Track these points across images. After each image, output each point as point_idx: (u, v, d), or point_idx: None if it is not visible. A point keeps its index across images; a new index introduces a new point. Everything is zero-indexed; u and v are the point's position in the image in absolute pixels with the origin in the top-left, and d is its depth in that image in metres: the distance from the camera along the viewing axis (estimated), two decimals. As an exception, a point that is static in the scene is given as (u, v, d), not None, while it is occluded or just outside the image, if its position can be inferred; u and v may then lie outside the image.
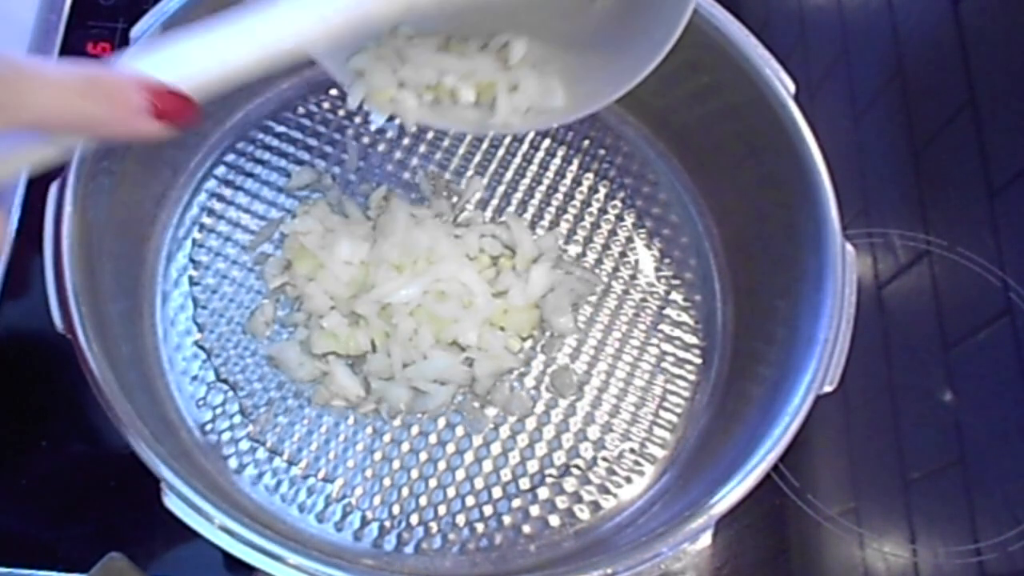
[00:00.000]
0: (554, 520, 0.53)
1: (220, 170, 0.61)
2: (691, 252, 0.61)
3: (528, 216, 0.61)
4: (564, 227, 0.61)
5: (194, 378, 0.55)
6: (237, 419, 0.54)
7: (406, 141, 0.63)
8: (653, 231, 0.62)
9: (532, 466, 0.55)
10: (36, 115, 0.33)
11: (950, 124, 0.70)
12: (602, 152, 0.64)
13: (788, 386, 0.48)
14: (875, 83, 0.71)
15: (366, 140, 0.63)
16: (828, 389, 0.47)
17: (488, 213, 0.61)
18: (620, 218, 0.62)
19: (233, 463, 0.53)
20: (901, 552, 0.56)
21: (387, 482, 0.54)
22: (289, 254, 0.58)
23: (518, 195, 0.62)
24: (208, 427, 0.54)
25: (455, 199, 0.61)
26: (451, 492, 0.54)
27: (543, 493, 0.54)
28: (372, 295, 0.55)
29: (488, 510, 0.53)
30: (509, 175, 0.63)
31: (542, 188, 0.62)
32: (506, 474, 0.54)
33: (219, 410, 0.55)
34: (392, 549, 0.52)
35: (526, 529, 0.53)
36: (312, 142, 0.63)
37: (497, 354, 0.56)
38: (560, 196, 0.62)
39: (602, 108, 0.48)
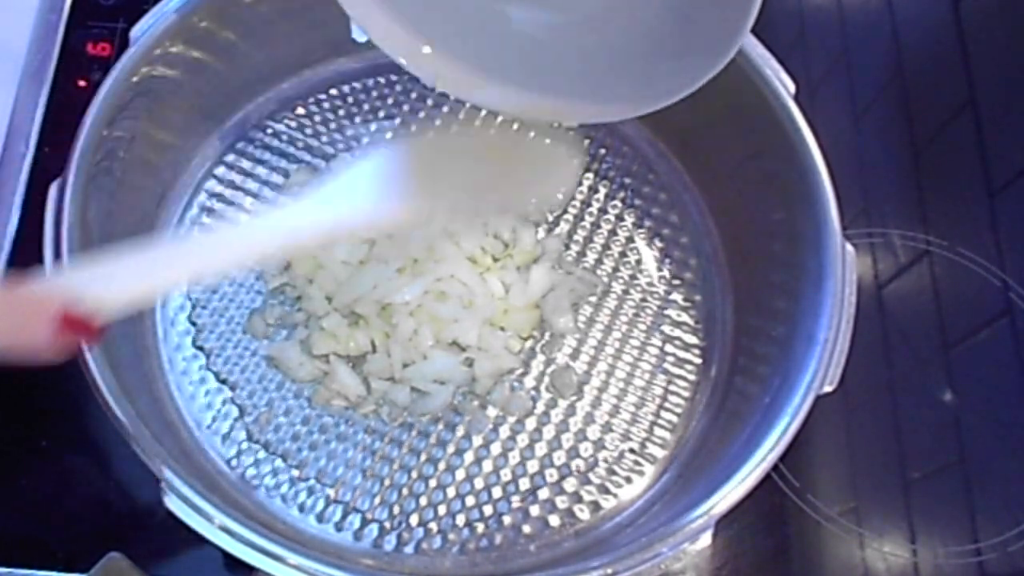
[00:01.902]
0: (554, 520, 0.53)
1: (220, 170, 0.61)
2: (691, 252, 0.61)
3: (528, 216, 0.61)
4: (564, 227, 0.61)
5: (194, 378, 0.55)
6: (237, 419, 0.54)
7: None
8: (653, 231, 0.62)
9: (532, 466, 0.55)
10: None
11: (950, 124, 0.70)
12: (602, 152, 0.64)
13: (788, 386, 0.48)
14: (875, 83, 0.71)
15: (366, 140, 0.63)
16: (828, 389, 0.47)
17: (488, 213, 0.61)
18: (620, 218, 0.62)
19: (233, 463, 0.53)
20: (901, 552, 0.56)
21: (387, 482, 0.54)
22: (289, 254, 0.58)
23: (518, 195, 0.62)
24: (208, 427, 0.54)
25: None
26: (451, 492, 0.54)
27: (543, 493, 0.54)
28: (372, 295, 0.55)
29: (488, 510, 0.53)
30: (509, 175, 0.63)
31: (542, 188, 0.62)
32: (506, 474, 0.54)
33: (219, 410, 0.55)
34: (392, 549, 0.52)
35: (526, 529, 0.53)
36: (312, 142, 0.63)
37: (497, 354, 0.56)
38: (560, 196, 0.62)
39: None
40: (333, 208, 0.42)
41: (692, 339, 0.59)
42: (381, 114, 0.64)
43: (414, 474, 0.54)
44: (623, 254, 0.61)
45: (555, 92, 0.46)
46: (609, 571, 0.43)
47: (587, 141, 0.64)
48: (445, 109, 0.64)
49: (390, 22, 0.43)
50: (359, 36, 0.46)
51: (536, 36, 0.47)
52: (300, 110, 0.63)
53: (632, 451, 0.55)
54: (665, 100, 0.45)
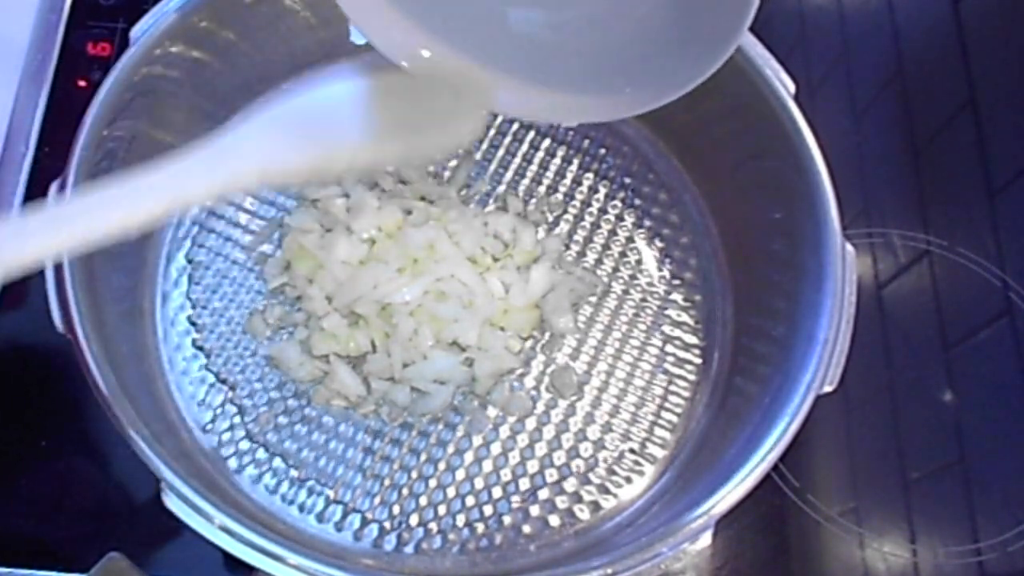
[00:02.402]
0: (554, 520, 0.53)
1: (220, 170, 0.61)
2: (691, 252, 0.61)
3: (528, 216, 0.61)
4: (564, 227, 0.61)
5: (194, 378, 0.55)
6: (237, 419, 0.54)
7: (406, 141, 0.63)
8: (653, 231, 0.62)
9: (532, 466, 0.55)
10: None
11: (950, 124, 0.70)
12: (602, 152, 0.64)
13: (788, 386, 0.48)
14: (875, 83, 0.71)
15: (366, 140, 0.63)
16: (828, 389, 0.47)
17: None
18: (620, 218, 0.62)
19: (233, 463, 0.53)
20: (901, 552, 0.56)
21: (387, 482, 0.54)
22: (288, 254, 0.58)
23: (518, 195, 0.62)
24: (208, 427, 0.54)
25: (455, 195, 0.61)
26: (451, 492, 0.54)
27: (543, 493, 0.54)
28: (372, 295, 0.55)
29: (488, 510, 0.53)
30: (509, 175, 0.63)
31: (542, 188, 0.62)
32: (506, 474, 0.54)
33: (219, 410, 0.55)
34: (392, 549, 0.52)
35: (526, 529, 0.53)
36: (312, 142, 0.62)
37: (497, 354, 0.56)
38: (560, 196, 0.62)
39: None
40: (235, 158, 0.41)
41: (692, 339, 0.59)
42: (381, 114, 0.64)
43: (414, 474, 0.54)
44: (623, 254, 0.61)
45: (553, 92, 0.46)
46: (609, 571, 0.43)
47: (587, 141, 0.64)
48: (445, 109, 0.64)
49: (388, 25, 0.43)
50: (357, 39, 0.46)
51: (532, 36, 0.46)
52: (300, 110, 0.63)
53: (632, 451, 0.55)
54: (663, 98, 0.45)
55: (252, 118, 0.43)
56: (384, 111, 0.44)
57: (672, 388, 0.57)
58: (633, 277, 0.60)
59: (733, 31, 0.43)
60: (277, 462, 0.54)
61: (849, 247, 0.50)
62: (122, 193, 0.39)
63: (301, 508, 0.53)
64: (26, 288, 0.59)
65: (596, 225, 0.62)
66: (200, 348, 0.56)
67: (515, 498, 0.54)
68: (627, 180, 0.63)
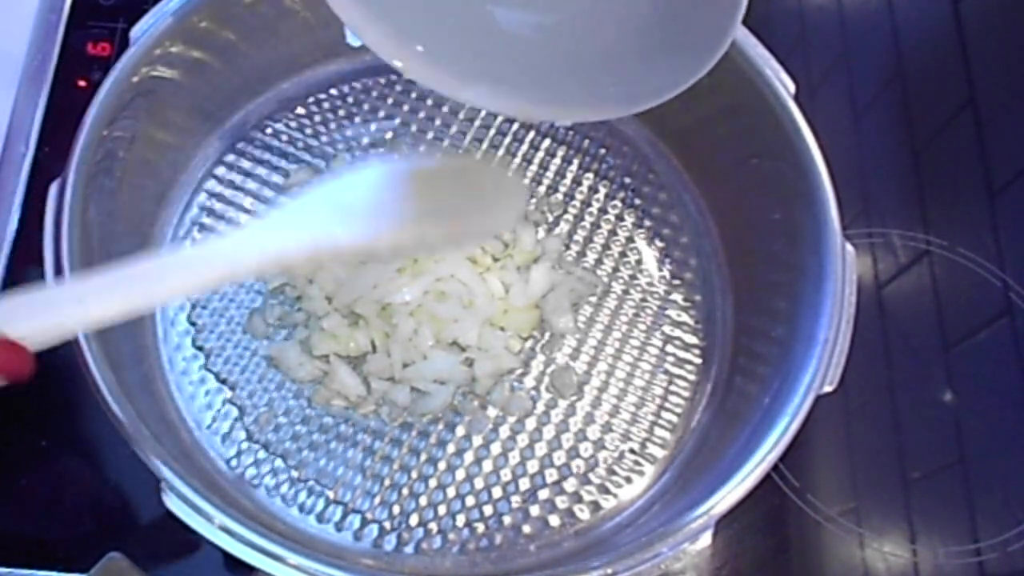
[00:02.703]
0: (554, 520, 0.53)
1: (220, 170, 0.61)
2: (691, 252, 0.61)
3: (528, 216, 0.61)
4: (564, 227, 0.61)
5: (194, 378, 0.55)
6: (237, 419, 0.54)
7: (407, 141, 0.63)
8: (653, 231, 0.62)
9: (532, 466, 0.55)
10: None
11: (950, 124, 0.70)
12: (602, 152, 0.64)
13: (788, 386, 0.48)
14: (875, 83, 0.71)
15: (366, 141, 0.63)
16: (828, 389, 0.47)
17: (488, 213, 0.61)
18: (620, 218, 0.62)
19: (233, 463, 0.53)
20: (901, 552, 0.56)
21: (387, 482, 0.54)
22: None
23: (518, 195, 0.62)
24: (208, 427, 0.54)
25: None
26: (451, 492, 0.54)
27: (543, 493, 0.54)
28: (372, 295, 0.55)
29: (488, 510, 0.53)
30: (509, 175, 0.63)
31: (542, 188, 0.62)
32: (506, 474, 0.54)
33: (219, 410, 0.55)
34: (392, 549, 0.52)
35: (526, 529, 0.53)
36: (312, 142, 0.63)
37: (497, 354, 0.56)
38: (560, 196, 0.62)
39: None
40: (286, 235, 0.41)
41: (692, 339, 0.59)
42: (381, 114, 0.64)
43: (414, 474, 0.54)
44: (623, 254, 0.61)
45: (547, 91, 0.46)
46: (609, 571, 0.43)
47: (587, 141, 0.64)
48: (444, 109, 0.64)
49: (382, 26, 0.43)
50: (353, 40, 0.46)
51: (526, 36, 0.47)
52: (300, 110, 0.63)
53: (632, 451, 0.55)
54: (656, 98, 0.45)
55: (303, 197, 0.43)
56: (429, 196, 0.45)
57: (672, 388, 0.57)
58: (633, 277, 0.60)
59: (722, 35, 0.43)
60: (277, 462, 0.54)
61: (849, 247, 0.50)
62: (176, 263, 0.40)
63: (301, 508, 0.53)
64: (27, 280, 0.58)
65: (596, 225, 0.62)
66: (200, 348, 0.56)
67: (515, 498, 0.54)
68: (627, 180, 0.63)
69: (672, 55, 0.45)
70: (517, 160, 0.63)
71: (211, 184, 0.61)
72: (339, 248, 0.42)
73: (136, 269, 0.38)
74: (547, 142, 0.64)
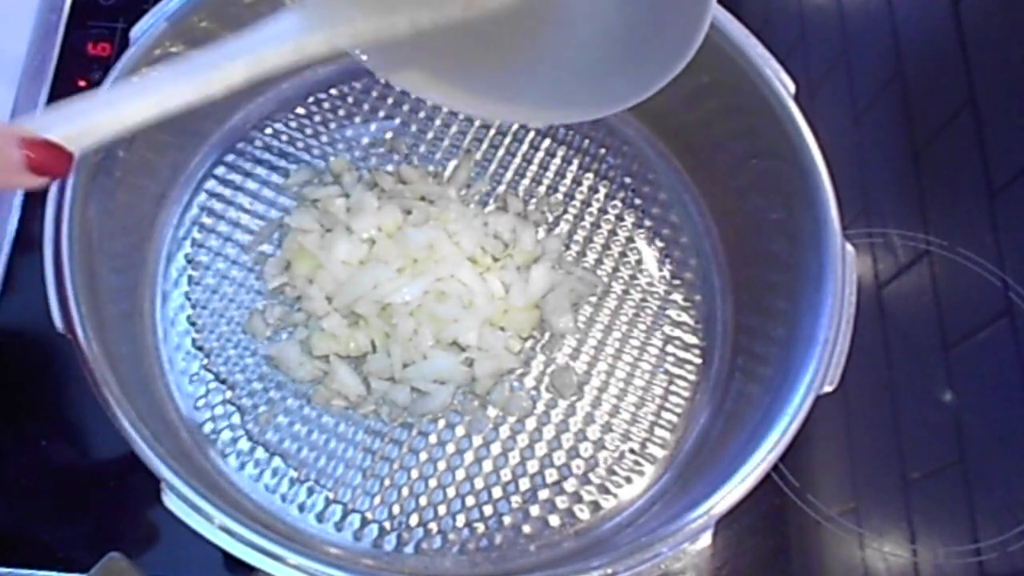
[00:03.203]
0: (554, 520, 0.53)
1: (220, 170, 0.61)
2: (691, 252, 0.61)
3: (528, 216, 0.61)
4: (564, 227, 0.61)
5: (194, 378, 0.55)
6: (237, 419, 0.54)
7: (407, 140, 0.63)
8: (653, 231, 0.62)
9: (532, 466, 0.55)
10: None
11: (950, 124, 0.70)
12: (602, 152, 0.64)
13: (788, 386, 0.48)
14: (875, 83, 0.71)
15: (366, 141, 0.63)
16: (828, 389, 0.47)
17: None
18: (620, 218, 0.62)
19: (233, 463, 0.53)
20: (901, 552, 0.56)
21: (387, 482, 0.54)
22: (288, 254, 0.58)
23: (518, 195, 0.62)
24: (208, 427, 0.54)
25: (455, 195, 0.61)
26: (451, 492, 0.54)
27: (543, 493, 0.54)
28: (372, 295, 0.55)
29: (488, 510, 0.53)
30: (509, 175, 0.63)
31: (542, 188, 0.62)
32: (506, 474, 0.54)
33: (219, 410, 0.55)
34: (392, 549, 0.52)
35: (526, 529, 0.53)
36: (312, 142, 0.63)
37: (497, 354, 0.56)
38: (560, 196, 0.62)
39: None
40: (298, 28, 0.42)
41: (692, 339, 0.59)
42: (381, 114, 0.64)
43: (414, 474, 0.54)
44: (623, 254, 0.61)
45: (519, 96, 0.46)
46: (609, 571, 0.43)
47: (587, 141, 0.64)
48: (445, 109, 0.64)
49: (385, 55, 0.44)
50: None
51: (496, 40, 0.47)
52: (300, 110, 0.64)
53: (632, 451, 0.55)
54: (625, 102, 0.45)
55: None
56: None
57: (672, 388, 0.57)
58: (633, 277, 0.60)
59: (690, 38, 0.43)
60: (277, 462, 0.54)
61: (849, 247, 0.50)
62: (203, 63, 0.41)
63: (301, 508, 0.53)
64: (26, 288, 0.59)
65: (596, 225, 0.62)
66: (200, 348, 0.56)
67: (515, 498, 0.54)
68: (627, 180, 0.63)
69: (642, 58, 0.46)
70: (517, 160, 0.63)
71: (211, 184, 0.61)
72: (358, 31, 0.42)
73: (164, 72, 0.40)
74: (547, 142, 0.64)
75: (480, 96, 0.47)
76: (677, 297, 0.60)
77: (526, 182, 0.62)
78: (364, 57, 0.45)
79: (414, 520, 0.53)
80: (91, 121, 0.39)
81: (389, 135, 0.63)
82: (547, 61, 0.47)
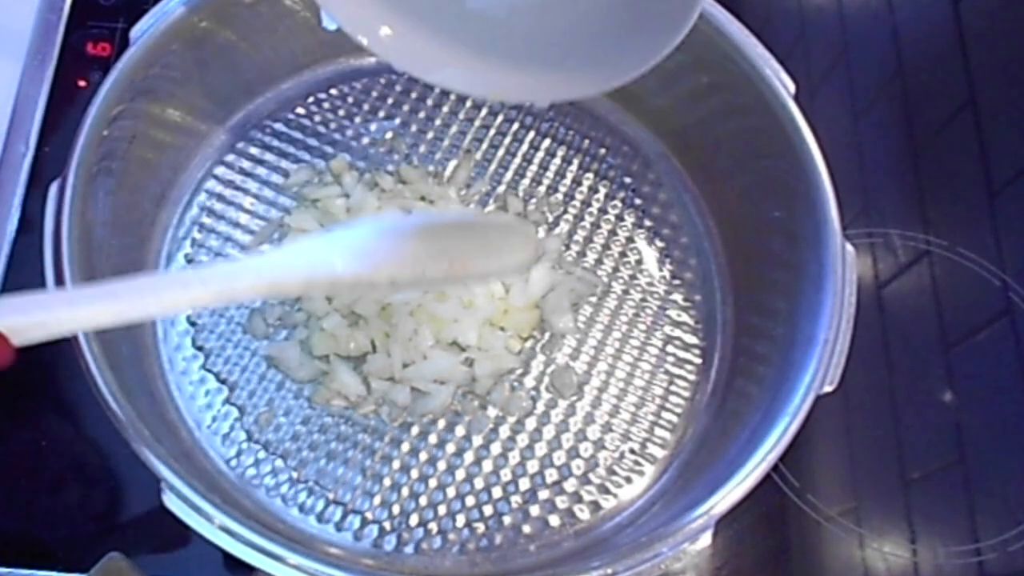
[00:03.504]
0: (554, 520, 0.53)
1: (220, 170, 0.61)
2: (691, 252, 0.61)
3: (528, 216, 0.61)
4: (564, 227, 0.61)
5: (194, 378, 0.55)
6: (237, 419, 0.54)
7: (407, 140, 0.63)
8: (653, 231, 0.62)
9: (532, 466, 0.55)
10: None
11: (950, 124, 0.70)
12: (602, 152, 0.64)
13: (788, 386, 0.48)
14: (875, 83, 0.71)
15: (366, 141, 0.63)
16: (828, 389, 0.47)
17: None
18: (620, 218, 0.62)
19: (233, 463, 0.53)
20: (901, 552, 0.56)
21: (387, 482, 0.54)
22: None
23: (518, 195, 0.62)
24: (208, 427, 0.54)
25: (455, 195, 0.61)
26: (451, 492, 0.54)
27: (543, 493, 0.54)
28: (372, 295, 0.55)
29: (488, 510, 0.53)
30: (509, 175, 0.63)
31: (542, 188, 0.62)
32: (506, 474, 0.54)
33: (219, 410, 0.55)
34: (392, 549, 0.52)
35: (526, 529, 0.53)
36: (312, 142, 0.63)
37: (497, 354, 0.56)
38: (560, 196, 0.62)
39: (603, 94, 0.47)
40: (293, 262, 0.42)
41: (692, 339, 0.59)
42: (381, 114, 0.64)
43: (414, 474, 0.54)
44: (623, 254, 0.61)
45: (517, 71, 0.46)
46: (609, 571, 0.43)
47: (587, 141, 0.64)
48: (445, 109, 0.64)
49: (353, 5, 0.44)
50: (329, 24, 0.47)
51: (495, 17, 0.47)
52: (300, 110, 0.63)
53: (632, 451, 0.55)
54: (624, 77, 0.45)
55: (305, 240, 0.45)
56: (432, 240, 0.46)
57: (672, 388, 0.57)
58: (633, 277, 0.60)
59: (687, 11, 0.43)
60: (277, 462, 0.54)
61: (849, 247, 0.50)
62: (172, 281, 0.41)
63: (301, 508, 0.53)
64: (26, 287, 0.58)
65: (596, 225, 0.62)
66: (200, 348, 0.56)
67: (515, 498, 0.54)
68: (627, 180, 0.63)
69: (639, 32, 0.46)
70: (517, 160, 0.63)
71: (211, 184, 0.61)
72: (336, 278, 0.43)
73: (133, 283, 0.39)
74: (547, 142, 0.64)
75: (485, 71, 0.47)
76: (677, 297, 0.60)
77: (526, 182, 0.62)
78: (365, 41, 0.45)
79: (414, 520, 0.53)
80: (45, 317, 0.37)
81: (389, 135, 0.63)
82: (550, 32, 0.47)
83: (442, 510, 0.53)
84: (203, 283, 0.40)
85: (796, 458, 0.56)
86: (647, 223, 0.62)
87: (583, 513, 0.54)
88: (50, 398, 0.56)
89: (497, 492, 0.54)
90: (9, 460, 0.55)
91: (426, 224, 0.47)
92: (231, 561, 0.43)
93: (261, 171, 0.61)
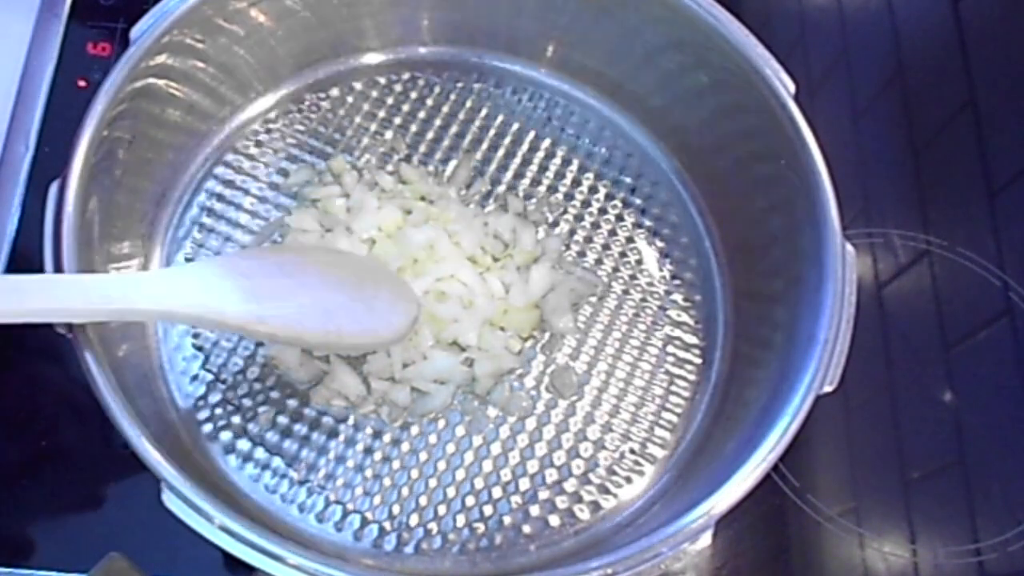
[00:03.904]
0: (554, 520, 0.53)
1: (220, 170, 0.61)
2: (691, 252, 0.61)
3: (528, 216, 0.61)
4: (564, 227, 0.61)
5: (194, 378, 0.55)
6: (237, 419, 0.54)
7: (406, 140, 0.63)
8: (653, 231, 0.62)
9: (532, 466, 0.55)
10: None
11: (950, 124, 0.70)
12: (602, 152, 0.64)
13: (788, 386, 0.48)
14: (875, 83, 0.71)
15: (366, 141, 0.63)
16: (828, 389, 0.47)
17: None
18: (620, 218, 0.62)
19: (233, 463, 0.53)
20: (901, 552, 0.56)
21: (387, 482, 0.54)
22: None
23: (518, 195, 0.62)
24: (208, 427, 0.54)
25: (455, 195, 0.61)
26: (451, 492, 0.54)
27: (543, 493, 0.54)
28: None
29: (488, 510, 0.53)
30: (509, 175, 0.63)
31: (542, 188, 0.62)
32: (506, 474, 0.54)
33: (219, 410, 0.55)
34: (392, 549, 0.52)
35: (526, 529, 0.53)
36: (312, 142, 0.63)
37: (497, 354, 0.56)
38: (560, 196, 0.62)
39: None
40: (177, 293, 0.44)
41: (692, 339, 0.59)
42: (381, 114, 0.64)
43: (414, 474, 0.54)
44: (623, 254, 0.61)
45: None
46: (609, 571, 0.43)
47: (587, 141, 0.64)
48: (445, 109, 0.64)
49: None
50: None
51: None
52: (300, 110, 0.63)
53: (632, 451, 0.55)
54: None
55: (212, 263, 0.47)
56: (320, 290, 0.49)
57: (672, 388, 0.57)
58: (633, 277, 0.60)
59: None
60: (277, 462, 0.54)
61: (849, 247, 0.50)
62: (68, 284, 0.43)
63: (301, 508, 0.53)
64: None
65: (596, 225, 0.62)
66: (200, 348, 0.56)
67: (515, 498, 0.54)
68: (627, 180, 0.63)
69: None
70: (517, 160, 0.63)
71: (211, 184, 0.61)
72: (224, 321, 0.45)
73: (30, 281, 0.41)
74: (547, 142, 0.64)
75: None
76: (677, 297, 0.60)
77: (526, 182, 0.62)
78: None
79: (414, 520, 0.53)
80: None
81: (389, 135, 0.63)
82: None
83: (442, 510, 0.53)
84: (99, 294, 0.42)
85: (796, 458, 0.56)
86: (647, 223, 0.62)
87: (583, 513, 0.54)
88: (49, 398, 0.56)
89: (497, 492, 0.54)
90: (9, 460, 0.55)
91: (321, 268, 0.50)
92: (231, 561, 0.43)
93: (261, 171, 0.61)
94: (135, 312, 0.43)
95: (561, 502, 0.54)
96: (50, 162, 0.62)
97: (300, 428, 0.54)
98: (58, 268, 0.46)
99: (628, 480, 0.55)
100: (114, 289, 0.43)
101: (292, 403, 0.55)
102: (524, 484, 0.54)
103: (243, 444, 0.54)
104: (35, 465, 0.55)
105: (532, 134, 0.64)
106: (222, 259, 0.47)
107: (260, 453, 0.54)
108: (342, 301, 0.49)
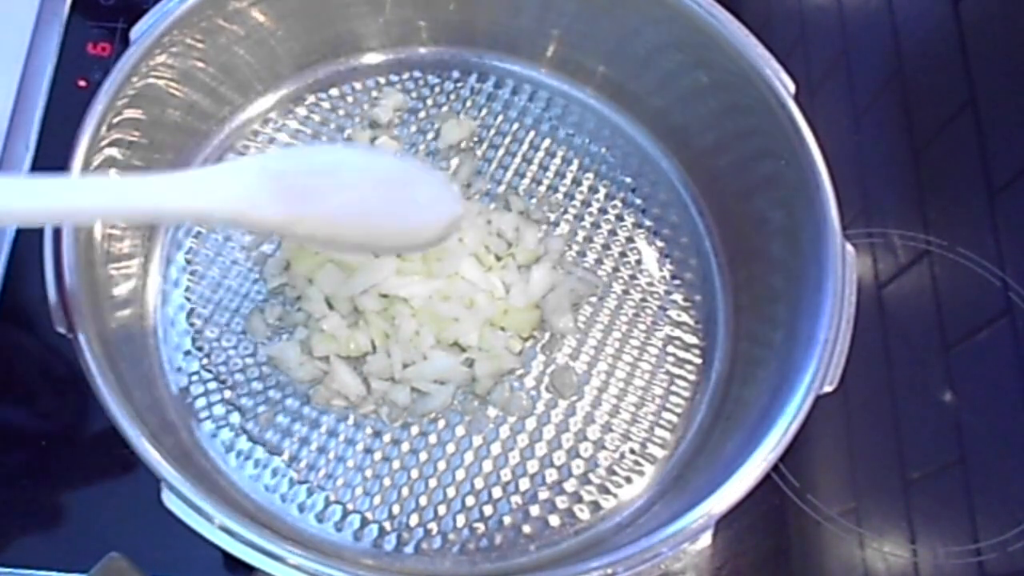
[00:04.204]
0: (554, 520, 0.53)
1: (220, 170, 0.61)
2: (691, 252, 0.61)
3: (529, 216, 0.61)
4: (564, 227, 0.61)
5: (194, 378, 0.55)
6: (237, 419, 0.54)
7: (407, 141, 0.63)
8: (653, 231, 0.62)
9: (532, 466, 0.55)
10: None
11: (950, 124, 0.70)
12: (602, 152, 0.64)
13: (788, 386, 0.48)
14: (875, 83, 0.71)
15: (365, 141, 0.63)
16: (828, 389, 0.47)
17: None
18: (620, 218, 0.62)
19: (233, 463, 0.53)
20: (901, 552, 0.56)
21: (387, 482, 0.54)
22: (288, 254, 0.58)
23: (519, 194, 0.62)
24: (208, 428, 0.54)
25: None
26: (451, 492, 0.54)
27: (543, 493, 0.54)
28: (377, 288, 0.55)
29: (488, 510, 0.53)
30: (509, 175, 0.63)
31: (542, 188, 0.62)
32: (506, 474, 0.54)
33: (219, 410, 0.55)
34: (392, 549, 0.52)
35: (526, 529, 0.53)
36: (312, 142, 0.63)
37: (498, 354, 0.56)
38: (560, 196, 0.62)
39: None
40: (215, 193, 0.42)
41: (692, 339, 0.59)
42: (381, 114, 0.64)
43: (414, 474, 0.54)
44: (623, 254, 0.61)
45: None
46: (609, 571, 0.43)
47: (587, 141, 0.64)
48: (444, 109, 0.64)
49: None
50: None
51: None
52: (300, 110, 0.63)
53: (632, 451, 0.55)
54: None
55: (245, 163, 0.45)
56: (357, 189, 0.47)
57: (672, 388, 0.57)
58: (633, 277, 0.60)
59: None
60: (277, 462, 0.54)
61: (849, 247, 0.50)
62: (96, 185, 0.41)
63: (301, 508, 0.53)
64: (26, 288, 0.59)
65: (596, 225, 0.62)
66: (200, 348, 0.56)
67: (515, 498, 0.54)
68: (627, 180, 0.63)
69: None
70: (517, 160, 0.63)
71: (211, 184, 0.61)
72: (261, 221, 0.43)
73: (55, 181, 0.39)
74: (547, 142, 0.64)
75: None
76: (677, 297, 0.60)
77: (526, 182, 0.62)
78: None
79: (414, 520, 0.53)
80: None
81: (389, 135, 0.63)
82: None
83: (442, 510, 0.53)
84: (130, 193, 0.40)
85: (796, 458, 0.56)
86: (647, 223, 0.62)
87: (583, 513, 0.54)
88: (49, 398, 0.56)
89: (497, 492, 0.54)
90: (9, 460, 0.55)
91: (358, 166, 0.48)
92: (231, 561, 0.43)
93: (261, 171, 0.61)
94: (169, 212, 0.42)
95: (561, 502, 0.54)
96: (50, 162, 0.62)
97: (300, 428, 0.54)
98: (58, 268, 0.46)
99: (628, 480, 0.55)
100: (148, 189, 0.41)
101: (292, 403, 0.55)
102: (524, 484, 0.54)
103: (243, 443, 0.54)
104: (35, 465, 0.55)
105: (532, 134, 0.64)
106: (255, 159, 0.45)
107: (260, 452, 0.54)
108: (380, 199, 0.47)
